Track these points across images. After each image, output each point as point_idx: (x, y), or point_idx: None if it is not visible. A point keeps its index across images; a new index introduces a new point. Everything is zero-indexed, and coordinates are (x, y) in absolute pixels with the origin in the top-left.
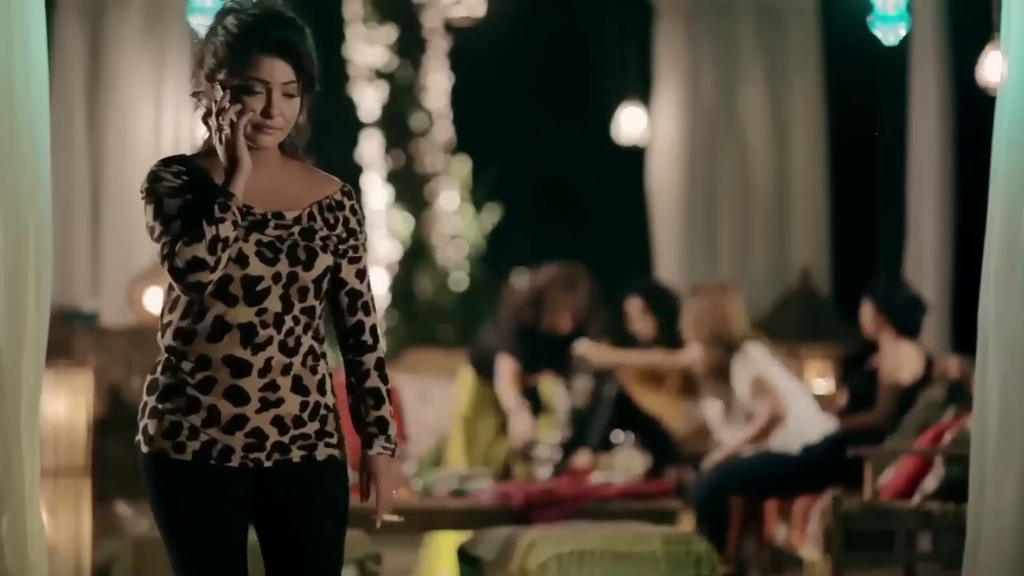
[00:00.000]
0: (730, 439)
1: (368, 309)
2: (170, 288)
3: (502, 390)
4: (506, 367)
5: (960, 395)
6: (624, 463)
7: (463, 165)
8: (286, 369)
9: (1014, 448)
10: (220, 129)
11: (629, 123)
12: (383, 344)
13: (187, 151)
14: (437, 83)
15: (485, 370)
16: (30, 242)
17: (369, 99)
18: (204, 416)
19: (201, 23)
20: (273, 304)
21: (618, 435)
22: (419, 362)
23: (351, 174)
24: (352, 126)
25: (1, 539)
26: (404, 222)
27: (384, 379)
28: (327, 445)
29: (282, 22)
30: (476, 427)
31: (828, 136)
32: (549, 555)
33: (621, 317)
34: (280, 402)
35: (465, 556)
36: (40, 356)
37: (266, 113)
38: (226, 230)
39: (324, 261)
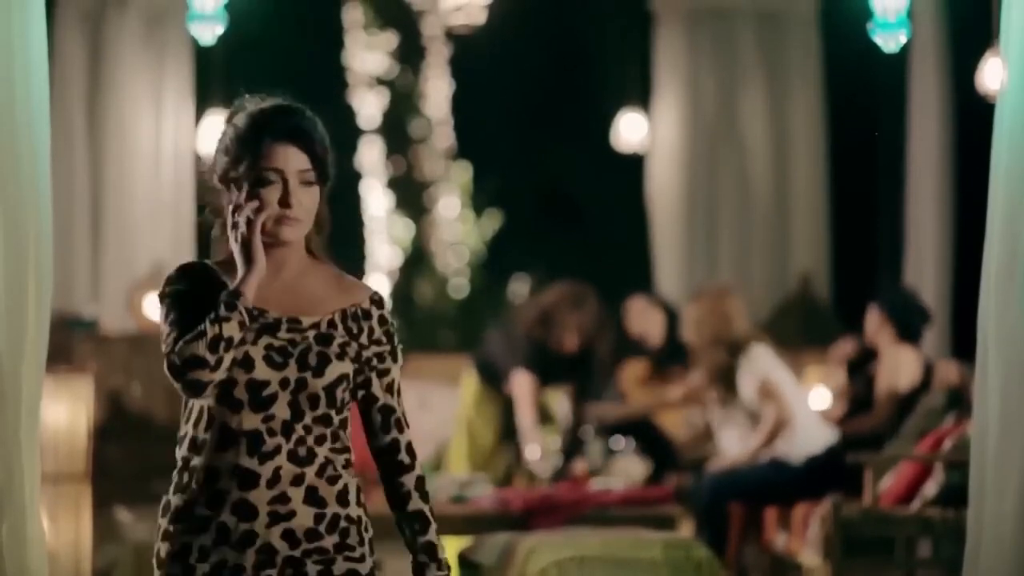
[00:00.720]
0: (731, 444)
1: (402, 426)
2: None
3: (520, 408)
4: (525, 383)
5: (960, 401)
6: (624, 469)
7: (463, 171)
8: (297, 480)
9: (1014, 454)
10: (236, 227)
11: (629, 130)
12: (420, 460)
13: (186, 158)
14: (437, 90)
15: (489, 375)
16: (30, 248)
17: (369, 106)
18: (214, 536)
19: (199, 29)
20: (281, 411)
21: (618, 441)
22: (419, 368)
23: (351, 180)
24: (352, 132)
25: (1, 545)
26: (404, 228)
27: (425, 498)
28: (347, 559)
29: (292, 111)
30: (478, 431)
31: (828, 143)
32: (549, 561)
33: (621, 321)
34: (291, 515)
35: (465, 562)
36: (40, 362)
37: (284, 202)
38: (230, 329)
39: (338, 369)
